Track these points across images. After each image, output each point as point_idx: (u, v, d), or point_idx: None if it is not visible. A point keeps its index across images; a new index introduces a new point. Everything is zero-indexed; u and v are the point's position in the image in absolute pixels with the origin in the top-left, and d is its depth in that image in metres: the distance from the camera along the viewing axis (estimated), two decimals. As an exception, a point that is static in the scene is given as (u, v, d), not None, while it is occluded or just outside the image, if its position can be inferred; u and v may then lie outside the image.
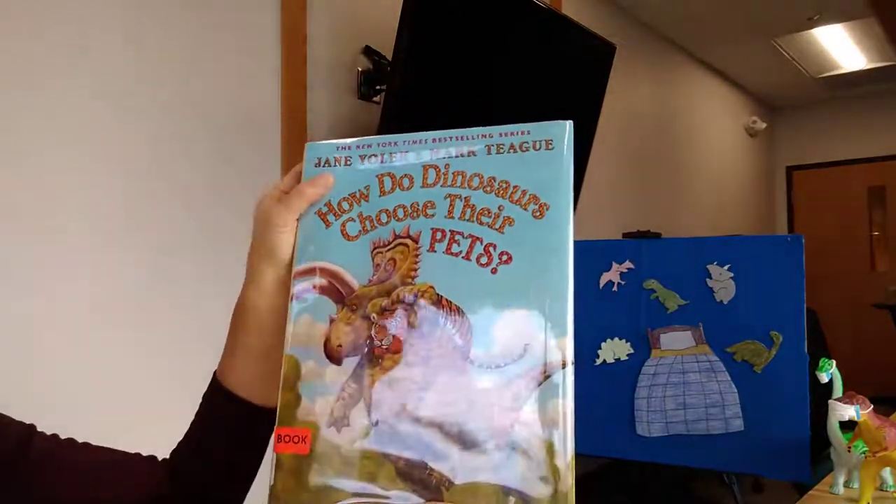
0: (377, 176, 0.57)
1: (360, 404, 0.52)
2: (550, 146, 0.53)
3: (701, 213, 4.85)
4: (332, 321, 0.54)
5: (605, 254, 1.63)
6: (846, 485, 1.11)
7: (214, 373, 0.64)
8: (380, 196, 0.56)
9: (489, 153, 0.55)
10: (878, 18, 3.98)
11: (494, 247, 0.52)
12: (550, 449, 0.48)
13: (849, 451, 1.07)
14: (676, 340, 1.55)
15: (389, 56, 2.18)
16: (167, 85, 1.81)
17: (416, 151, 0.57)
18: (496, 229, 0.53)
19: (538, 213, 0.52)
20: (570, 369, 0.49)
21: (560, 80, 2.82)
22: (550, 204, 0.52)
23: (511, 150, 0.54)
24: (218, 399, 0.63)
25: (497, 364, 0.50)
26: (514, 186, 0.53)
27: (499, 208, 0.53)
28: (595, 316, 1.61)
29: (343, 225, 0.57)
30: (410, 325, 0.52)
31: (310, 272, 0.56)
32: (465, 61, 2.28)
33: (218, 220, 1.89)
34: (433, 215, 0.55)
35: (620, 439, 1.56)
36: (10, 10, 1.51)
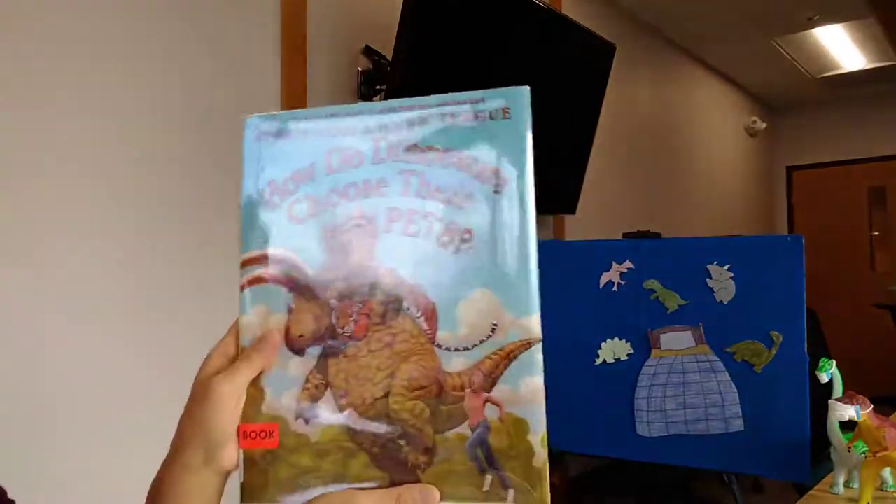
0: (325, 152, 0.53)
1: (327, 394, 0.51)
2: (507, 115, 0.50)
3: (701, 213, 4.85)
4: (290, 310, 0.52)
5: (605, 254, 1.63)
6: (846, 485, 1.11)
7: None
8: (327, 174, 0.53)
9: (443, 123, 0.51)
10: (878, 18, 3.98)
11: (455, 224, 0.50)
12: (523, 426, 0.48)
13: (849, 451, 1.07)
14: (676, 340, 1.55)
15: (389, 56, 2.18)
16: (168, 85, 1.81)
17: (364, 123, 0.53)
18: (455, 205, 0.50)
19: (497, 187, 0.49)
20: (538, 346, 0.48)
21: (560, 80, 2.82)
22: (510, 176, 0.49)
23: (466, 120, 0.51)
24: None
25: (465, 346, 0.49)
26: (472, 159, 0.50)
27: (457, 183, 0.50)
28: (595, 316, 1.61)
29: (290, 207, 0.53)
30: (372, 311, 0.51)
31: (259, 260, 0.53)
32: (465, 61, 2.28)
33: (219, 221, 1.88)
34: (387, 193, 0.51)
35: (620, 439, 1.56)
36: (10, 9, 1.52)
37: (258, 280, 0.53)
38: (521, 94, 0.50)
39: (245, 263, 0.53)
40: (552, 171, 2.94)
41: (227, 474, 0.53)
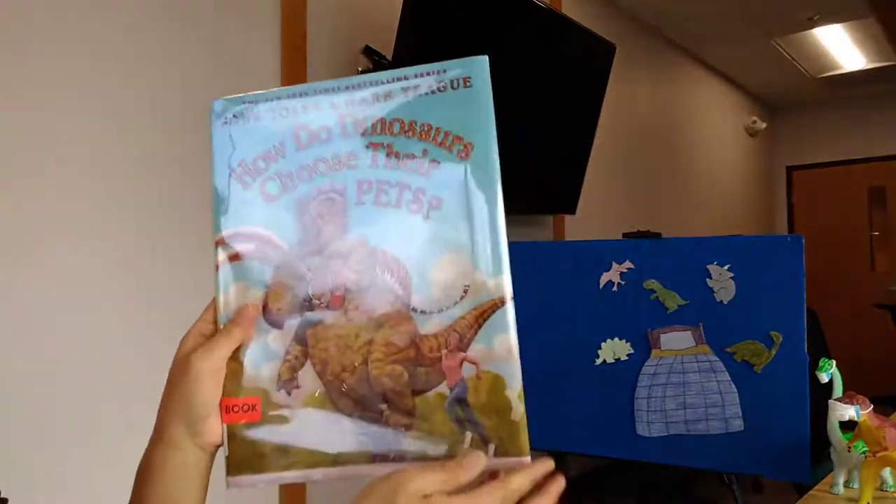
0: (292, 130, 0.54)
1: (307, 365, 0.52)
2: (468, 84, 0.52)
3: (701, 213, 4.85)
4: (267, 285, 0.53)
5: (605, 254, 1.63)
6: (846, 485, 1.11)
7: None
8: (297, 151, 0.54)
9: (407, 96, 0.53)
10: (878, 18, 3.98)
11: (423, 192, 0.52)
12: (500, 382, 0.49)
13: (849, 451, 1.07)
14: (676, 340, 1.55)
15: (389, 56, 2.18)
16: (168, 85, 1.81)
17: (329, 100, 0.54)
18: (422, 174, 0.52)
19: (463, 154, 0.51)
20: (510, 305, 0.50)
21: (560, 80, 2.82)
22: (474, 143, 0.51)
23: (429, 92, 0.53)
24: None
25: (439, 308, 0.51)
26: (437, 128, 0.52)
27: (423, 152, 0.52)
28: (595, 316, 1.61)
29: (262, 185, 0.54)
30: (348, 280, 0.52)
31: (234, 238, 0.54)
32: (465, 61, 2.28)
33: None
34: (356, 166, 0.53)
35: (620, 439, 1.56)
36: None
37: (234, 258, 0.54)
38: (481, 64, 0.52)
39: (219, 243, 0.54)
40: (552, 171, 2.94)
41: (212, 451, 0.54)
